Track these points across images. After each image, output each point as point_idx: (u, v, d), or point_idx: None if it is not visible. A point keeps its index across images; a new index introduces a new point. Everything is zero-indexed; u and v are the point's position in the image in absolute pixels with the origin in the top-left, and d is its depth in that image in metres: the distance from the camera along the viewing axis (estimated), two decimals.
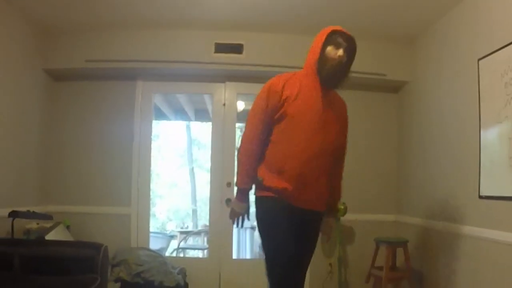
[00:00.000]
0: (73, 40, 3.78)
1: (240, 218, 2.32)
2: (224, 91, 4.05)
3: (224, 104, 4.05)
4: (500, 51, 2.55)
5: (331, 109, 2.25)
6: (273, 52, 3.81)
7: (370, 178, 4.01)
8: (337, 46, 2.17)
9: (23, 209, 3.06)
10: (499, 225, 2.47)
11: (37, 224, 3.33)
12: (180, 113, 6.42)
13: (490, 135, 2.64)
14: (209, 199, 4.06)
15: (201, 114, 6.50)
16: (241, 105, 4.61)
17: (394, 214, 4.00)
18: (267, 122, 2.23)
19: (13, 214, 2.89)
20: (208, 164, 4.69)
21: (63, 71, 3.85)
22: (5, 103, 3.21)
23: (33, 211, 3.11)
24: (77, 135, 3.91)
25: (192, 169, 10.29)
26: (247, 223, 2.67)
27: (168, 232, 8.11)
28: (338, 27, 2.22)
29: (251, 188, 2.31)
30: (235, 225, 2.35)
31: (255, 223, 2.42)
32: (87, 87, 3.96)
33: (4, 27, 3.17)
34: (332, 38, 2.19)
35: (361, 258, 3.76)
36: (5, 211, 2.93)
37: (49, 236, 3.15)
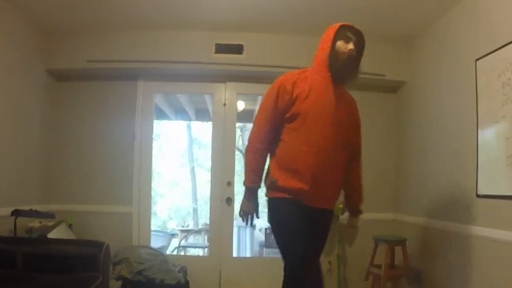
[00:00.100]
0: (75, 41, 3.80)
1: (249, 216, 2.29)
2: (225, 91, 4.07)
3: (224, 104, 4.07)
4: (497, 52, 2.57)
5: (343, 105, 2.23)
6: (273, 52, 3.82)
7: (369, 177, 3.94)
8: (347, 40, 2.18)
9: (25, 208, 3.08)
10: (497, 224, 2.50)
11: (40, 222, 3.35)
12: (181, 113, 6.43)
13: (488, 135, 2.66)
14: (209, 198, 4.07)
15: (201, 114, 6.50)
16: (241, 105, 4.64)
17: (393, 213, 4.02)
18: (276, 121, 2.20)
19: (16, 213, 2.92)
20: (208, 163, 4.71)
21: (65, 71, 3.87)
22: (8, 103, 3.23)
23: (36, 210, 3.14)
24: (79, 134, 3.93)
25: (193, 168, 10.32)
26: (258, 222, 2.66)
27: (169, 231, 8.11)
28: (346, 23, 2.23)
29: (259, 187, 2.28)
30: (245, 223, 2.31)
31: (266, 223, 2.40)
32: (88, 87, 3.98)
33: (6, 28, 3.18)
34: (341, 32, 2.19)
35: (360, 256, 3.78)
36: (7, 210, 2.96)
37: (51, 235, 3.16)
